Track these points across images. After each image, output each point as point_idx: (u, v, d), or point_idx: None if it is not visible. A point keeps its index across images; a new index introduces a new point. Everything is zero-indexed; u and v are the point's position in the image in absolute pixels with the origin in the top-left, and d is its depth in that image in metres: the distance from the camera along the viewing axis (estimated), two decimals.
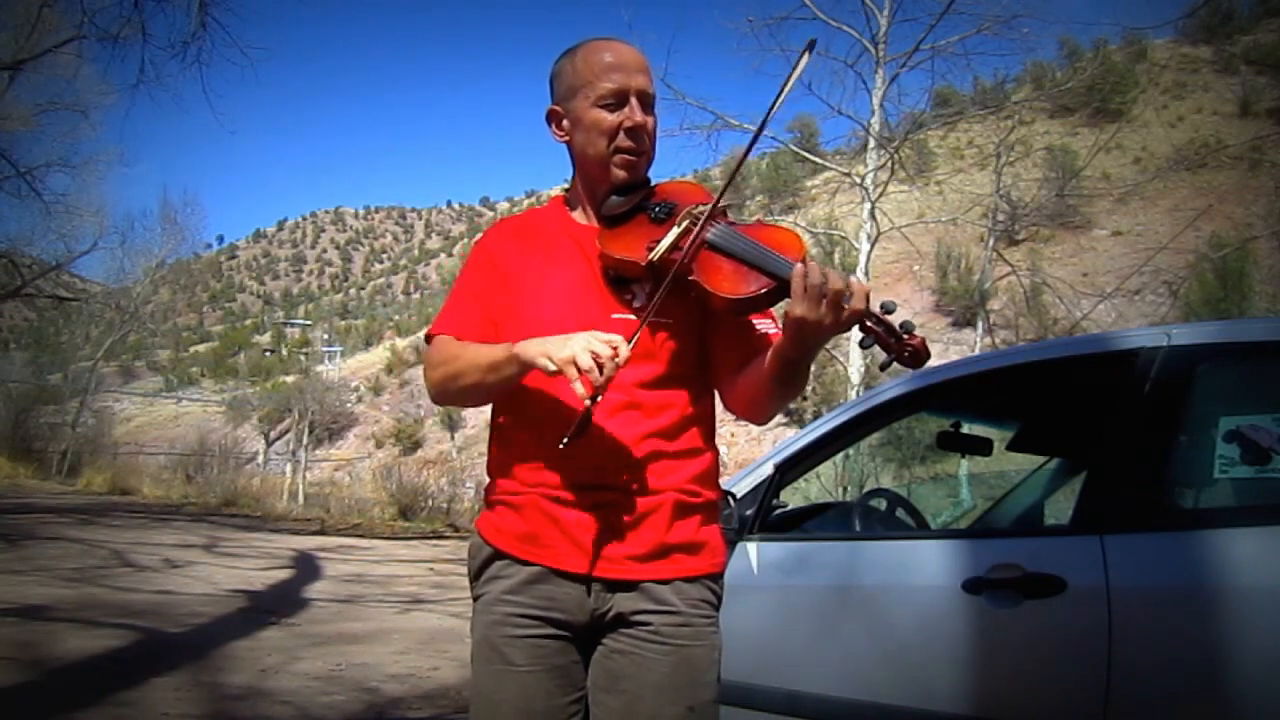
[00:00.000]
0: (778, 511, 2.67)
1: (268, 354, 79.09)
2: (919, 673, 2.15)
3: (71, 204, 20.41)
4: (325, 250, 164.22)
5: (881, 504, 2.99)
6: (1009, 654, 2.05)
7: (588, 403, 1.30)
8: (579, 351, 1.27)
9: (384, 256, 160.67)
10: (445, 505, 17.31)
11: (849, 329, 1.27)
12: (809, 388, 23.32)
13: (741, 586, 2.25)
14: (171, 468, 24.81)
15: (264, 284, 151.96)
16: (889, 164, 10.32)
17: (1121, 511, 2.03)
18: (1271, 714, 1.74)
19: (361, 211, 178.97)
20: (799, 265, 1.29)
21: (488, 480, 1.55)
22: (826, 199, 19.55)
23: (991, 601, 2.05)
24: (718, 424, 1.56)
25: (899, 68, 10.13)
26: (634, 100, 1.46)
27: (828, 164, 13.59)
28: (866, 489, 8.13)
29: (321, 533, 14.18)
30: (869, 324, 1.26)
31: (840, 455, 6.37)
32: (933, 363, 1.34)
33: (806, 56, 1.43)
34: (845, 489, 8.25)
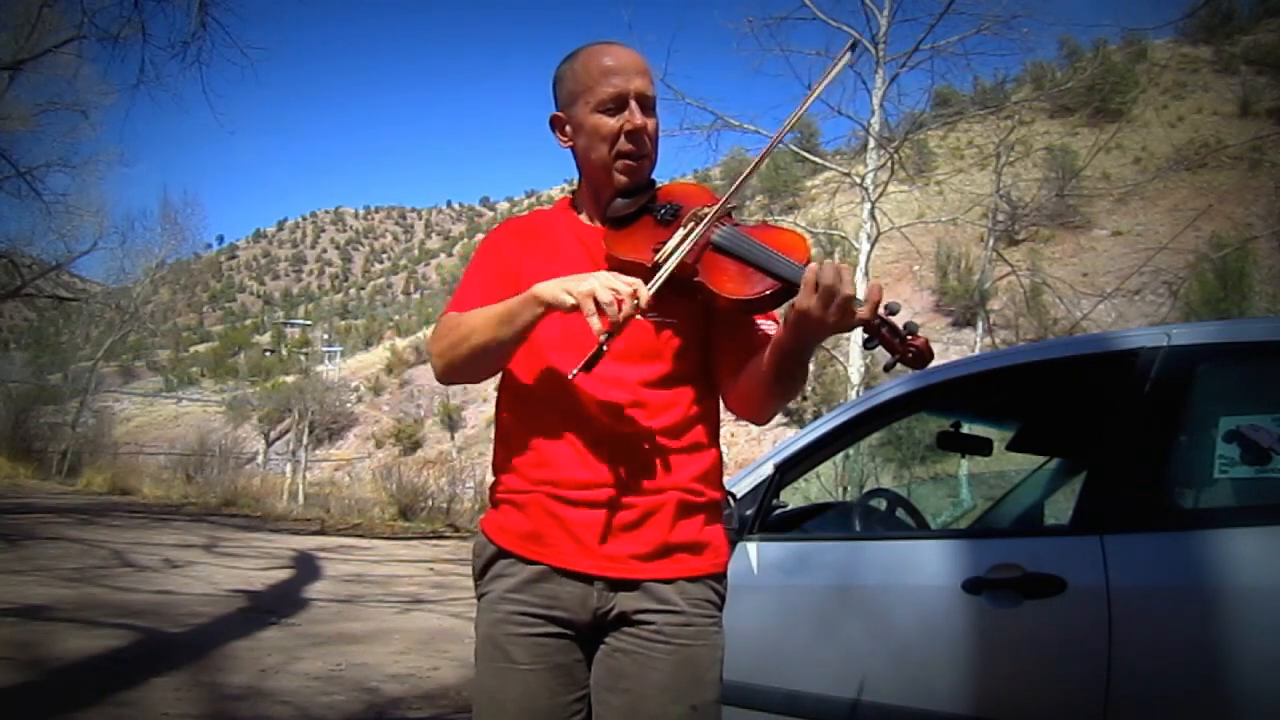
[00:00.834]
0: (778, 511, 2.67)
1: (268, 354, 79.11)
2: (919, 673, 2.15)
3: (71, 204, 20.44)
4: (325, 250, 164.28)
5: (881, 504, 3.00)
6: (1009, 654, 2.06)
7: (603, 339, 1.30)
8: (599, 287, 1.27)
9: (384, 256, 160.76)
10: (445, 505, 17.30)
11: (852, 329, 1.28)
12: (809, 388, 23.34)
13: (742, 586, 2.25)
14: (171, 468, 24.78)
15: (264, 284, 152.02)
16: (889, 164, 10.32)
17: (1121, 511, 2.03)
18: (1271, 714, 1.74)
19: (361, 211, 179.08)
20: (812, 264, 1.29)
21: (492, 479, 1.56)
22: (826, 199, 19.56)
23: (992, 601, 2.06)
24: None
25: (899, 68, 10.14)
26: (633, 104, 1.47)
27: (828, 164, 13.60)
28: (866, 489, 8.13)
29: (321, 533, 14.18)
30: (874, 325, 1.26)
31: (840, 455, 6.37)
32: (933, 363, 1.34)
33: (848, 56, 1.44)
34: (845, 489, 8.25)
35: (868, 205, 10.08)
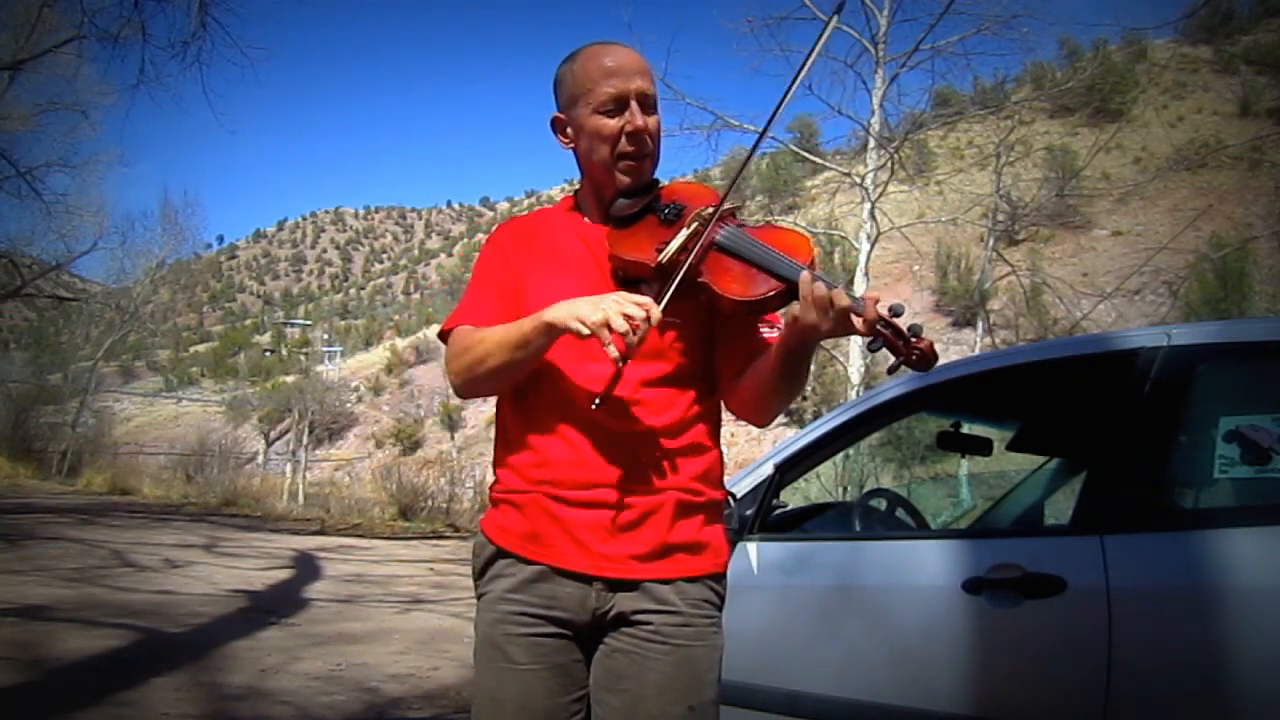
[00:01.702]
0: (778, 511, 2.67)
1: (268, 354, 79.09)
2: (919, 673, 2.15)
3: (71, 204, 20.43)
4: (325, 250, 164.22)
5: (881, 504, 3.00)
6: (1009, 654, 2.06)
7: (620, 364, 1.32)
8: (613, 315, 1.28)
9: (384, 256, 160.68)
10: (445, 505, 17.29)
11: (854, 333, 1.28)
12: (809, 387, 23.33)
13: (741, 586, 2.25)
14: (171, 468, 24.75)
15: (264, 284, 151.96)
16: (889, 164, 10.32)
17: (1121, 511, 2.03)
18: (1271, 714, 1.74)
19: (361, 211, 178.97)
20: (805, 274, 1.30)
21: (492, 479, 1.56)
22: (826, 199, 19.56)
23: (992, 601, 2.06)
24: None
25: (899, 68, 10.14)
26: (634, 104, 1.47)
27: (828, 164, 13.60)
28: (866, 489, 8.13)
29: (321, 533, 14.18)
30: (877, 328, 1.26)
31: (840, 455, 6.37)
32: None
33: (835, 19, 1.44)
34: (845, 489, 8.25)
35: (868, 205, 10.08)
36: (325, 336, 60.85)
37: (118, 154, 23.40)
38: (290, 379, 48.87)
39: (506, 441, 1.52)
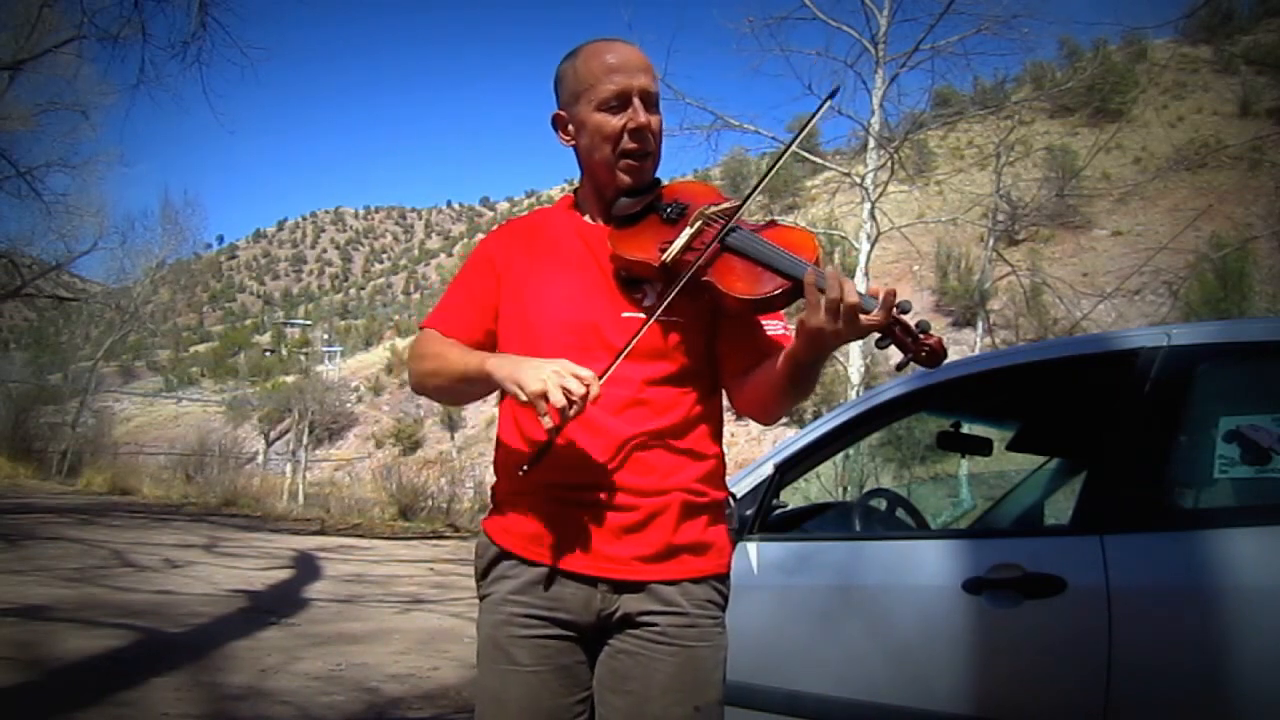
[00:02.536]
0: (778, 511, 2.67)
1: (268, 354, 79.07)
2: (919, 673, 2.15)
3: (71, 204, 20.42)
4: (325, 250, 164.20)
5: (881, 504, 3.00)
6: (1009, 654, 2.06)
7: (551, 433, 1.32)
8: (551, 387, 1.27)
9: (384, 256, 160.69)
10: (445, 505, 17.27)
11: (865, 336, 1.26)
12: None
13: (742, 586, 2.24)
14: (171, 468, 24.73)
15: (264, 284, 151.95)
16: (889, 164, 10.32)
17: (1121, 511, 2.03)
18: (1272, 714, 1.74)
19: (361, 211, 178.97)
20: (810, 269, 1.29)
21: (493, 479, 1.55)
22: (826, 199, 19.55)
23: (992, 601, 2.06)
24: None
25: (899, 68, 10.15)
26: (637, 101, 1.46)
27: (828, 164, 13.59)
28: (866, 489, 8.13)
29: (321, 533, 14.17)
30: (888, 327, 1.24)
31: (840, 455, 6.37)
32: None
33: (828, 103, 1.46)
34: (845, 489, 8.25)
35: (868, 205, 10.08)
36: (325, 336, 60.82)
37: (118, 154, 23.41)
38: (290, 379, 48.84)
39: (509, 441, 1.52)
